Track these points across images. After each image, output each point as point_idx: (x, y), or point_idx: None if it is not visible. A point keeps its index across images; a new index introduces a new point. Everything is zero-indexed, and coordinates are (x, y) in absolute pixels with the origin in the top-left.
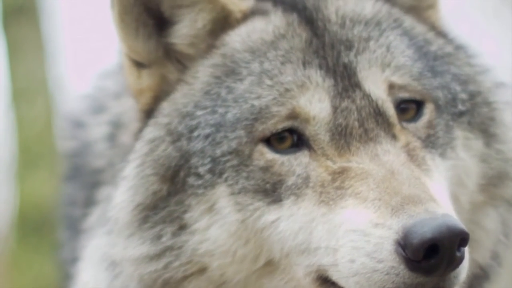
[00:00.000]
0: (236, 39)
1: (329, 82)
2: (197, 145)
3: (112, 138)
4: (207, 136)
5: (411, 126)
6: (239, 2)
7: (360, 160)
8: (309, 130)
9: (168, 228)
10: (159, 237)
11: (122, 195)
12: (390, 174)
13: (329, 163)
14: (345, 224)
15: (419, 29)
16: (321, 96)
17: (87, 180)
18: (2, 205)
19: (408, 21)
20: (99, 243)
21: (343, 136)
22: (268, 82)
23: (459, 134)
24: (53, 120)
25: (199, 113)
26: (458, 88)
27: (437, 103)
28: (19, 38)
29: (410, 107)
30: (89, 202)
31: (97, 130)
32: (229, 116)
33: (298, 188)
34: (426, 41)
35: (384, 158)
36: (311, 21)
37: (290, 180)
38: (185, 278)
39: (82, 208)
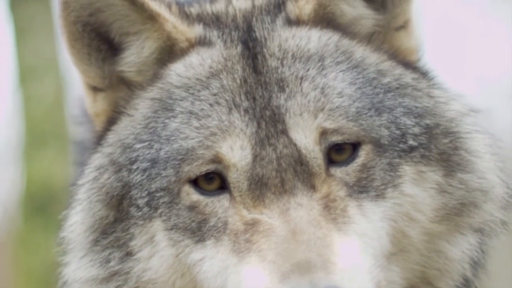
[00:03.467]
0: (174, 73)
1: (252, 128)
2: (136, 177)
3: None
4: (144, 170)
5: (341, 170)
6: (187, 30)
7: (270, 214)
8: (230, 177)
9: (116, 253)
10: (107, 261)
11: (75, 217)
12: (292, 234)
13: (244, 212)
14: (246, 281)
15: (373, 59)
16: (243, 144)
17: None
18: (9, 184)
19: (359, 52)
20: None
21: (259, 186)
22: (196, 123)
23: (408, 170)
24: (61, 99)
25: (138, 146)
26: (409, 122)
27: (379, 142)
28: (26, 16)
29: (345, 148)
30: None
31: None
32: (162, 153)
33: (218, 231)
34: (379, 72)
35: (294, 213)
36: (254, 54)
37: (212, 221)
38: None
39: None
